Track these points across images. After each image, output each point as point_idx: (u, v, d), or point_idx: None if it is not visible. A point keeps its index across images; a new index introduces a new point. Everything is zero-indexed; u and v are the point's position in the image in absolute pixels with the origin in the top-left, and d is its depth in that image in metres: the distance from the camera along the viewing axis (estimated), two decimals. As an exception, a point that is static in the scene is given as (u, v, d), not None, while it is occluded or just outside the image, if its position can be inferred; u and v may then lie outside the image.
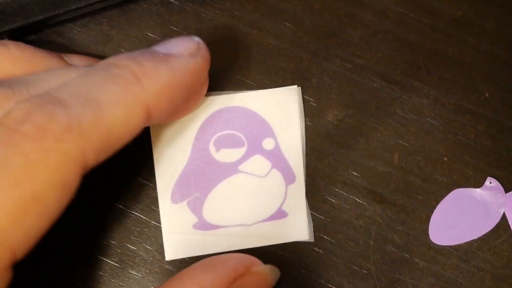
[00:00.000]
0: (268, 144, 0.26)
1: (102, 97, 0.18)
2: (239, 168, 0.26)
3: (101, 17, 0.27)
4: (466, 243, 0.27)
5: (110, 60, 0.20)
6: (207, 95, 0.26)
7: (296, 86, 0.26)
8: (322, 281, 0.26)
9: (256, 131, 0.26)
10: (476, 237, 0.27)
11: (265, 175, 0.26)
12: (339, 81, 0.27)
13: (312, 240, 0.26)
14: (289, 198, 0.26)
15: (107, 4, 0.26)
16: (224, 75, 0.27)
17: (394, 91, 0.27)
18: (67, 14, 0.26)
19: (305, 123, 0.27)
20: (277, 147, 0.26)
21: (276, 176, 0.26)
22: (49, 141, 0.17)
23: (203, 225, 0.25)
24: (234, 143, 0.26)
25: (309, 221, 0.26)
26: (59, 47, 0.27)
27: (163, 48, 0.22)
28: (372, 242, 0.26)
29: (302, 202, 0.26)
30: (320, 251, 0.26)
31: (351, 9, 0.27)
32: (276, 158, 0.26)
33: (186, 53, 0.22)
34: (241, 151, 0.26)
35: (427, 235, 0.27)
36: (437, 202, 0.27)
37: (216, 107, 0.26)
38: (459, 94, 0.27)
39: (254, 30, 0.27)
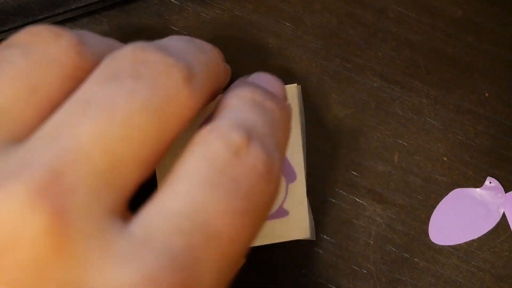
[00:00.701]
0: None
1: None
2: None
3: (100, 16, 0.27)
4: (466, 243, 0.27)
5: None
6: None
7: (295, 84, 0.26)
8: (322, 281, 0.26)
9: None
10: (476, 237, 0.27)
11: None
12: (339, 80, 0.27)
13: (314, 238, 0.26)
14: (290, 196, 0.26)
15: (107, 4, 0.26)
16: (224, 74, 0.27)
17: (394, 91, 0.27)
18: (67, 13, 0.26)
19: (305, 123, 0.27)
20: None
21: None
22: None
23: None
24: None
25: (310, 219, 0.26)
26: (59, 47, 0.27)
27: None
28: (372, 242, 0.26)
29: (304, 200, 0.26)
30: (320, 251, 0.26)
31: (351, 9, 0.27)
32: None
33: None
34: None
35: (427, 235, 0.27)
36: (437, 202, 0.27)
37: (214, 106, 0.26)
38: (459, 94, 0.27)
39: (254, 30, 0.27)
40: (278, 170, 0.19)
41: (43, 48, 0.18)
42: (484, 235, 0.27)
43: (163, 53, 0.18)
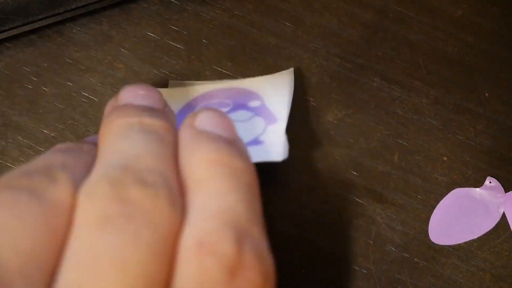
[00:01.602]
0: (254, 103, 0.26)
1: None
2: None
3: (101, 16, 0.27)
4: (465, 242, 0.27)
5: None
6: (197, 82, 0.26)
7: (292, 69, 0.26)
8: (322, 281, 0.26)
9: (244, 97, 0.26)
10: (475, 237, 0.27)
11: (247, 120, 0.25)
12: (339, 80, 0.27)
13: (286, 157, 0.25)
14: (267, 133, 0.25)
15: (107, 4, 0.26)
16: (224, 74, 0.27)
17: (394, 91, 0.27)
18: (67, 13, 0.26)
19: (305, 123, 0.27)
20: (262, 104, 0.26)
21: (258, 120, 0.25)
22: None
23: None
24: (219, 105, 0.26)
25: (284, 144, 0.25)
26: (58, 47, 0.27)
27: None
28: (372, 242, 0.26)
29: (281, 137, 0.25)
30: (320, 251, 0.26)
31: (351, 9, 0.27)
32: (260, 110, 0.26)
33: None
34: (226, 109, 0.26)
35: (427, 234, 0.27)
36: (437, 201, 0.27)
37: (205, 89, 0.26)
38: (459, 94, 0.27)
39: (254, 30, 0.27)
40: (271, 267, 0.18)
41: (51, 194, 0.17)
42: (484, 235, 0.27)
43: (143, 186, 0.17)
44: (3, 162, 0.26)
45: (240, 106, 0.25)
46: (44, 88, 0.27)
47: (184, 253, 0.17)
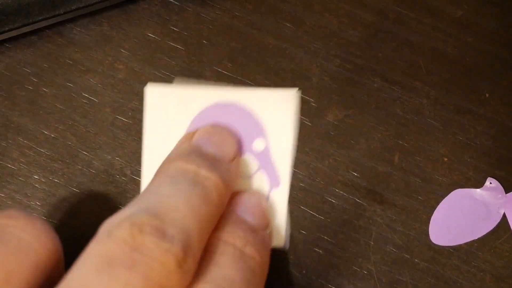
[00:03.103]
0: (258, 144, 0.26)
1: None
2: None
3: (101, 17, 0.27)
4: (466, 243, 0.27)
5: None
6: (199, 87, 0.25)
7: (295, 89, 0.26)
8: (322, 281, 0.26)
9: (248, 131, 0.26)
10: (476, 238, 0.27)
11: (251, 175, 0.26)
12: (339, 81, 0.27)
13: (287, 248, 0.26)
14: (270, 201, 0.25)
15: (107, 5, 0.26)
16: (224, 75, 0.27)
17: (394, 91, 0.27)
18: (67, 14, 0.26)
19: (306, 124, 0.27)
20: (267, 148, 0.26)
21: (262, 178, 0.26)
22: None
23: None
24: None
25: (287, 229, 0.25)
26: (59, 48, 0.27)
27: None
28: (372, 243, 0.26)
29: (283, 209, 0.25)
30: (320, 251, 0.26)
31: (351, 9, 0.27)
32: (264, 160, 0.26)
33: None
34: None
35: (427, 235, 0.27)
36: (437, 202, 0.27)
37: (208, 101, 0.25)
38: (459, 94, 0.27)
39: (254, 30, 0.27)
40: None
41: (17, 233, 0.18)
42: (485, 235, 0.27)
43: (158, 236, 0.18)
44: (3, 163, 0.26)
45: (245, 147, 0.25)
46: (44, 89, 0.27)
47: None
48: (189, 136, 0.23)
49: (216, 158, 0.22)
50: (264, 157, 0.26)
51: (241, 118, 0.25)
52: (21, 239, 0.18)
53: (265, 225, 0.23)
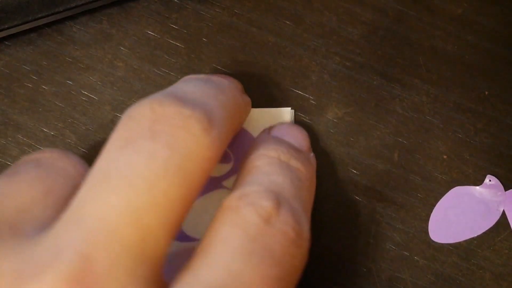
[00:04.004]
0: None
1: None
2: (223, 183, 0.25)
3: (100, 15, 0.27)
4: (465, 241, 0.27)
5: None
6: None
7: (289, 108, 0.26)
8: (322, 280, 0.26)
9: (245, 149, 0.25)
10: (475, 235, 0.27)
11: None
12: (338, 79, 0.27)
13: None
14: None
15: (106, 2, 0.26)
16: (223, 72, 0.27)
17: (393, 89, 0.27)
18: (67, 12, 0.26)
19: (305, 121, 0.27)
20: None
21: None
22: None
23: (181, 237, 0.25)
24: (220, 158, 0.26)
25: None
26: (58, 45, 0.27)
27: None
28: (372, 240, 0.26)
29: None
30: (320, 249, 0.26)
31: (350, 7, 0.27)
32: None
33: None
34: (227, 167, 0.25)
35: (427, 233, 0.27)
36: (437, 200, 0.27)
37: None
38: (459, 92, 0.27)
39: (253, 28, 0.27)
40: (306, 233, 0.19)
41: (52, 161, 0.19)
42: (484, 233, 0.27)
43: (179, 105, 0.17)
44: (2, 160, 0.26)
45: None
46: (43, 87, 0.27)
47: (226, 204, 0.18)
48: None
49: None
50: None
51: (237, 137, 0.25)
52: (57, 166, 0.18)
53: (307, 147, 0.23)
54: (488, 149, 0.27)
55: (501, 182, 0.27)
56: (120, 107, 0.27)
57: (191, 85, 0.19)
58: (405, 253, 0.26)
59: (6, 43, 0.27)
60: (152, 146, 0.16)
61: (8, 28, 0.25)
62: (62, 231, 0.16)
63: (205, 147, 0.17)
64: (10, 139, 0.26)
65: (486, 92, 0.27)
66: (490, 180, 0.27)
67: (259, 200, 0.18)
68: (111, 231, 0.15)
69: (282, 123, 0.23)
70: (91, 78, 0.27)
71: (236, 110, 0.21)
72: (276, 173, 0.20)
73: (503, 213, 0.27)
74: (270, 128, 0.23)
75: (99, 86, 0.27)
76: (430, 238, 0.27)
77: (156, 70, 0.27)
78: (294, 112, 0.27)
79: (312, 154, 0.23)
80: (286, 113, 0.26)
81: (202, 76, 0.21)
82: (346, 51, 0.27)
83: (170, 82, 0.27)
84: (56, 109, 0.27)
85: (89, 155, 0.26)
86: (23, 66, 0.27)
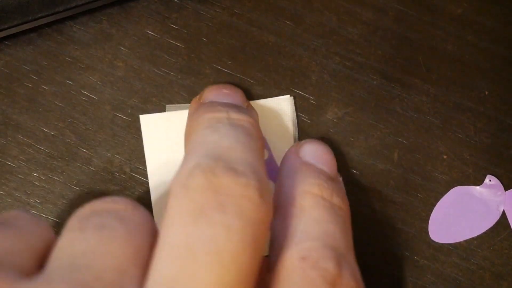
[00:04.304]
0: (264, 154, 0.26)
1: None
2: None
3: (100, 15, 0.27)
4: (465, 241, 0.27)
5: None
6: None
7: (288, 96, 0.26)
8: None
9: None
10: (475, 235, 0.27)
11: None
12: (338, 78, 0.27)
13: None
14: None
15: (106, 2, 0.26)
16: (223, 72, 0.27)
17: (393, 89, 0.27)
18: (67, 11, 0.26)
19: (305, 121, 0.27)
20: (270, 157, 0.26)
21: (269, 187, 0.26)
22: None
23: None
24: None
25: None
26: (58, 45, 0.27)
27: None
28: (372, 240, 0.26)
29: None
30: (319, 249, 0.26)
31: (350, 7, 0.27)
32: (270, 169, 0.26)
33: None
34: None
35: (427, 233, 0.27)
36: (437, 200, 0.27)
37: None
38: (459, 92, 0.27)
39: (253, 28, 0.27)
40: None
41: (131, 216, 0.18)
42: (484, 233, 0.27)
43: (233, 174, 0.18)
44: (3, 160, 0.26)
45: None
46: (44, 87, 0.27)
47: (290, 265, 0.18)
48: (199, 97, 0.24)
49: (235, 105, 0.22)
50: (269, 166, 0.26)
51: None
52: (137, 222, 0.18)
53: (336, 172, 0.23)
54: (488, 149, 0.27)
55: (501, 182, 0.27)
56: (120, 107, 0.27)
57: (224, 137, 0.20)
58: (405, 253, 0.26)
59: (6, 43, 0.27)
60: (225, 218, 0.17)
61: (8, 28, 0.25)
62: None
63: (265, 213, 0.18)
64: (10, 139, 0.26)
65: (486, 92, 0.27)
66: (490, 180, 0.27)
67: (323, 263, 0.18)
68: None
69: (307, 142, 0.23)
70: (91, 78, 0.27)
71: (262, 145, 0.21)
72: (326, 220, 0.20)
73: (503, 213, 0.27)
74: (297, 148, 0.23)
75: (99, 86, 0.27)
76: (430, 238, 0.27)
77: (156, 70, 0.27)
78: (295, 110, 0.27)
79: (341, 179, 0.23)
80: (286, 102, 0.26)
81: (224, 119, 0.21)
82: (346, 51, 0.27)
83: (170, 82, 0.27)
84: (56, 109, 0.27)
85: (89, 155, 0.26)
86: (23, 66, 0.27)
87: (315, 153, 0.23)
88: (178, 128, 0.26)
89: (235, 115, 0.21)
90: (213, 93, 0.23)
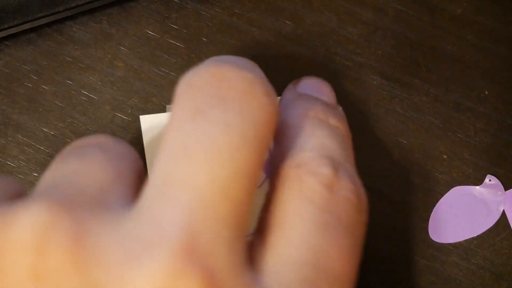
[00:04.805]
0: None
1: None
2: None
3: (100, 15, 0.27)
4: (465, 240, 0.27)
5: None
6: None
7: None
8: (322, 279, 0.26)
9: None
10: (475, 235, 0.27)
11: (260, 186, 0.26)
12: (338, 78, 0.27)
13: None
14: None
15: (106, 2, 0.26)
16: (223, 72, 0.27)
17: (393, 89, 0.27)
18: (67, 11, 0.26)
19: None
20: (271, 154, 0.26)
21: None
22: None
23: None
24: None
25: None
26: (58, 45, 0.27)
27: None
28: (372, 240, 0.26)
29: None
30: (319, 248, 0.26)
31: (350, 7, 0.27)
32: (270, 168, 0.26)
33: None
34: None
35: (427, 233, 0.27)
36: (437, 199, 0.27)
37: None
38: (459, 92, 0.27)
39: (253, 28, 0.27)
40: (364, 195, 0.19)
41: (113, 146, 0.18)
42: (484, 233, 0.27)
43: (240, 69, 0.17)
44: (3, 160, 0.26)
45: None
46: (43, 87, 0.27)
47: (285, 173, 0.18)
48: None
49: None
50: (270, 166, 0.26)
51: None
52: (119, 151, 0.18)
53: (335, 101, 0.23)
54: (488, 148, 0.27)
55: (501, 181, 0.27)
56: (120, 107, 0.27)
57: (229, 56, 0.19)
58: (405, 253, 0.26)
59: (6, 43, 0.27)
60: (225, 115, 0.16)
61: (8, 28, 0.25)
62: (157, 205, 0.15)
63: (270, 113, 0.17)
64: (10, 139, 0.26)
65: (486, 92, 0.27)
66: (490, 180, 0.27)
67: (318, 168, 0.18)
68: (207, 204, 0.15)
69: (305, 77, 0.23)
70: (91, 78, 0.27)
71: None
72: (322, 135, 0.20)
73: (503, 213, 0.27)
74: (295, 84, 0.23)
75: (99, 86, 0.27)
76: (430, 238, 0.27)
77: (156, 70, 0.27)
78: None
79: (340, 108, 0.23)
80: None
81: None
82: (345, 51, 0.27)
83: (170, 82, 0.27)
84: (56, 109, 0.27)
85: (89, 155, 0.26)
86: (23, 66, 0.27)
87: (312, 85, 0.23)
88: None
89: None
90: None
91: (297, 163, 0.18)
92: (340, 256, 0.17)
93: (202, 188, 0.15)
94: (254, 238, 0.18)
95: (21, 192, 0.18)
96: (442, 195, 0.27)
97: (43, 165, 0.26)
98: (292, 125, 0.20)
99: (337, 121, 0.21)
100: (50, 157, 0.26)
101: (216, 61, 0.18)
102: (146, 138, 0.26)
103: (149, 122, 0.26)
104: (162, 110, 0.27)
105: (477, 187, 0.27)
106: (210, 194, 0.15)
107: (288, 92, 0.23)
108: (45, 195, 0.16)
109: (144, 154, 0.26)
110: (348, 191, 0.18)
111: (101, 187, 0.16)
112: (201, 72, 0.17)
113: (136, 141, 0.26)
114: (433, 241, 0.26)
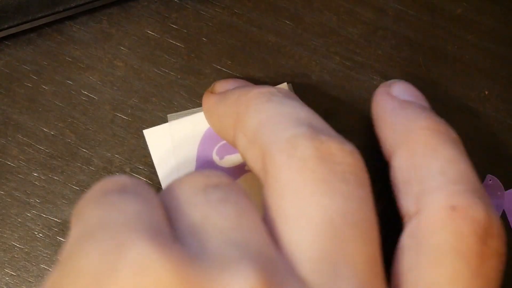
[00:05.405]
0: None
1: None
2: (246, 168, 0.26)
3: (100, 14, 0.27)
4: (465, 240, 0.27)
5: None
6: (192, 116, 0.26)
7: (285, 83, 0.26)
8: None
9: None
10: (475, 235, 0.27)
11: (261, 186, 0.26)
12: (338, 78, 0.27)
13: None
14: None
15: (106, 2, 0.26)
16: (223, 72, 0.27)
17: (393, 89, 0.27)
18: (67, 11, 0.26)
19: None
20: None
21: None
22: None
23: None
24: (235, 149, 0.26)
25: None
26: (58, 45, 0.27)
27: None
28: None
29: None
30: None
31: (350, 7, 0.27)
32: None
33: None
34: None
35: (427, 233, 0.27)
36: (437, 200, 0.27)
37: (206, 124, 0.26)
38: (459, 92, 0.27)
39: (253, 28, 0.27)
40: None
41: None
42: (484, 233, 0.27)
43: (339, 142, 0.18)
44: (2, 160, 0.26)
45: None
46: (43, 87, 0.27)
47: (438, 214, 0.18)
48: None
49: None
50: None
51: None
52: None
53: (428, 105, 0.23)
54: (488, 148, 0.27)
55: (501, 181, 0.27)
56: (120, 107, 0.27)
57: (298, 107, 0.19)
58: (405, 253, 0.26)
59: (6, 42, 0.27)
60: (350, 188, 0.17)
61: (8, 28, 0.25)
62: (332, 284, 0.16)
63: (367, 176, 0.18)
64: (10, 138, 0.26)
65: (486, 92, 0.27)
66: (490, 180, 0.27)
67: (472, 212, 0.17)
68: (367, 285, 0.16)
69: (395, 82, 0.23)
70: (91, 78, 0.27)
71: None
72: (458, 159, 0.19)
73: (503, 213, 0.27)
74: (387, 89, 0.23)
75: (99, 86, 0.27)
76: (430, 238, 0.26)
77: (156, 70, 0.27)
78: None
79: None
80: (284, 89, 0.26)
81: (267, 89, 0.21)
82: (346, 51, 0.27)
83: (170, 82, 0.27)
84: (56, 109, 0.27)
85: (89, 155, 0.26)
86: (23, 66, 0.27)
87: (408, 91, 0.22)
88: (182, 136, 0.26)
89: (274, 89, 0.21)
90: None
91: (451, 203, 0.18)
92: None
93: (363, 271, 0.16)
94: None
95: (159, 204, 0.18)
96: (442, 195, 0.27)
97: (43, 165, 0.26)
98: (419, 139, 0.20)
99: (450, 129, 0.21)
100: (50, 157, 0.26)
101: (312, 131, 0.18)
102: (152, 150, 0.26)
103: (153, 135, 0.26)
104: (162, 110, 0.27)
105: (477, 187, 0.27)
106: (369, 275, 0.16)
107: (386, 99, 0.22)
108: (244, 258, 0.16)
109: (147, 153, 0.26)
110: (500, 240, 0.18)
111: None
112: (303, 145, 0.18)
113: (136, 141, 0.26)
114: (433, 241, 0.26)
